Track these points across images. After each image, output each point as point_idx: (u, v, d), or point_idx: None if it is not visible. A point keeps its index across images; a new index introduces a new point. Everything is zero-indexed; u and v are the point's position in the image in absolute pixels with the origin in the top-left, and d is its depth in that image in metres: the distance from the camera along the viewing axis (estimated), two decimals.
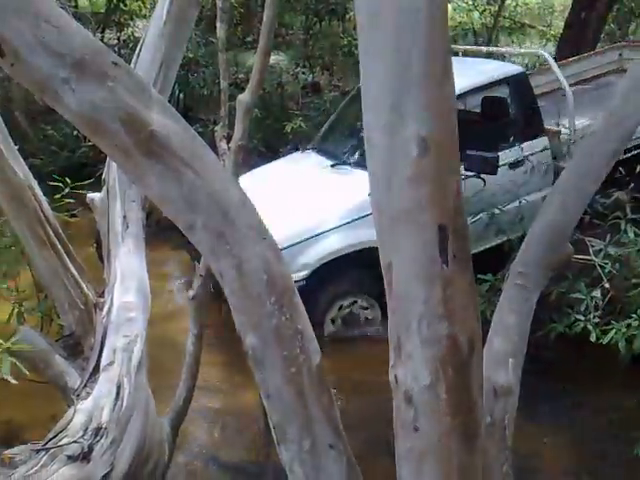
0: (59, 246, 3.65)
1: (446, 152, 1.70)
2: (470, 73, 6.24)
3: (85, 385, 3.55)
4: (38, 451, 3.35)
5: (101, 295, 3.79)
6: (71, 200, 4.14)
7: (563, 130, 6.13)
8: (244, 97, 3.04)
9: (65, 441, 3.31)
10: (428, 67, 1.63)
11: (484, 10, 10.51)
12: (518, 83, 6.15)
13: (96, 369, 3.54)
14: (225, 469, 4.21)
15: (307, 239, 5.32)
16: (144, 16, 10.14)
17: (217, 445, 4.32)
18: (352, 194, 5.49)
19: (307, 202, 5.76)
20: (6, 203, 3.54)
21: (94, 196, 3.87)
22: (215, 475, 4.19)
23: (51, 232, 3.61)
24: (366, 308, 5.71)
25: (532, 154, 6.02)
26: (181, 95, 8.70)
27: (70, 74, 1.91)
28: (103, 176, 3.85)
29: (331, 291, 5.52)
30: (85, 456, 3.22)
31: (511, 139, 6.02)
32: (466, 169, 5.34)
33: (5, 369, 3.42)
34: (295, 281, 4.96)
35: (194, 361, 3.68)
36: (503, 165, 5.69)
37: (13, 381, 3.92)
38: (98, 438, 3.28)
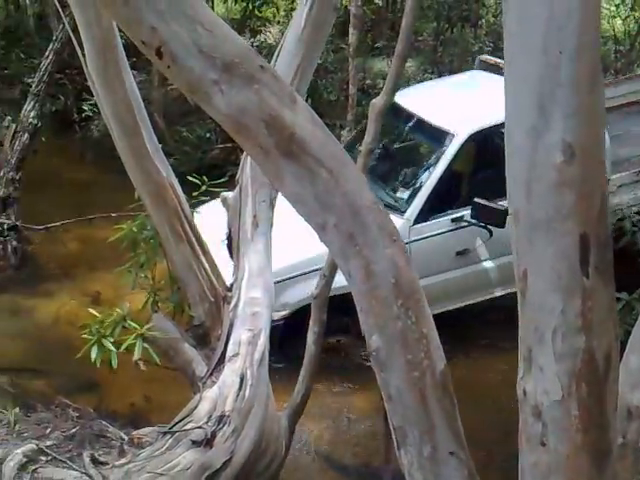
0: (194, 241, 3.84)
1: (592, 159, 1.64)
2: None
3: (211, 374, 3.71)
4: (165, 434, 3.55)
5: (229, 290, 3.95)
6: (206, 198, 4.34)
7: None
8: (378, 101, 3.07)
9: (190, 426, 3.48)
10: (577, 71, 1.59)
11: (627, 17, 10.01)
12: None
13: (221, 360, 3.70)
14: (340, 470, 4.25)
15: (290, 278, 5.04)
16: (277, 22, 10.45)
17: (332, 445, 4.37)
18: None
19: (297, 237, 5.42)
20: (149, 199, 3.77)
21: (227, 195, 4.04)
22: (329, 476, 4.24)
23: (188, 228, 3.81)
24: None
25: None
26: (309, 100, 8.90)
27: (220, 76, 2.01)
28: (237, 177, 4.01)
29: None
30: (208, 442, 3.37)
31: None
32: (471, 217, 5.11)
33: (138, 353, 3.64)
34: (273, 320, 4.30)
35: (314, 359, 3.75)
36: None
37: (142, 367, 4.17)
38: (221, 426, 3.43)
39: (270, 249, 3.89)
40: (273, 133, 2.11)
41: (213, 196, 4.34)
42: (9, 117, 7.51)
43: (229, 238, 4.12)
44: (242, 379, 3.56)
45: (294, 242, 4.94)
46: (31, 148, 7.15)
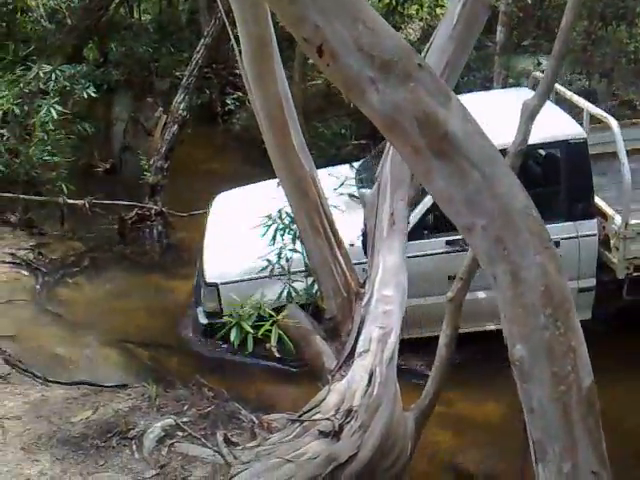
0: (331, 236, 3.90)
1: None
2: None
3: (340, 368, 3.76)
4: (293, 422, 3.64)
5: (362, 286, 3.98)
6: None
7: (616, 217, 4.94)
8: (531, 101, 2.97)
9: (318, 417, 3.54)
10: None
11: None
12: (575, 150, 5.00)
13: (351, 355, 3.73)
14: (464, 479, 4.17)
15: (266, 277, 4.83)
16: (420, 19, 10.37)
17: (459, 454, 4.28)
18: None
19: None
20: (290, 191, 3.87)
21: (365, 192, 4.07)
22: None
23: (326, 223, 3.87)
24: None
25: (572, 237, 4.99)
26: None
27: (377, 74, 2.02)
28: (376, 174, 4.03)
29: None
30: (335, 434, 3.41)
31: (552, 214, 4.82)
32: (454, 242, 4.81)
33: (274, 340, 3.75)
34: None
35: (444, 362, 3.69)
36: None
37: (276, 354, 4.29)
38: (348, 419, 3.46)
39: (405, 248, 3.87)
40: (426, 132, 2.10)
41: None
42: (161, 108, 7.96)
43: (364, 235, 4.15)
44: (371, 376, 3.57)
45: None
46: (179, 138, 7.54)
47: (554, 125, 5.11)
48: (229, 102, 9.69)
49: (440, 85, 2.15)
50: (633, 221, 4.81)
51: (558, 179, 5.05)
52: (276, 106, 3.56)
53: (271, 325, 3.74)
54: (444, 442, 4.34)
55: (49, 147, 6.79)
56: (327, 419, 3.47)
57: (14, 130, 7.03)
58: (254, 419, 4.02)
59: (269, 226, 4.46)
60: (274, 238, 4.47)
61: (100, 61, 9.47)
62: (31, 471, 3.42)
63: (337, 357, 3.88)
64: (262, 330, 3.73)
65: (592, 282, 5.09)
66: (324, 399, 3.62)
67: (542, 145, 5.00)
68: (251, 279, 4.88)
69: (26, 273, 5.87)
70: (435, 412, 3.86)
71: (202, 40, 7.59)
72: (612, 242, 4.94)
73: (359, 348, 3.69)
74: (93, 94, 7.33)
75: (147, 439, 3.69)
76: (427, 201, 4.88)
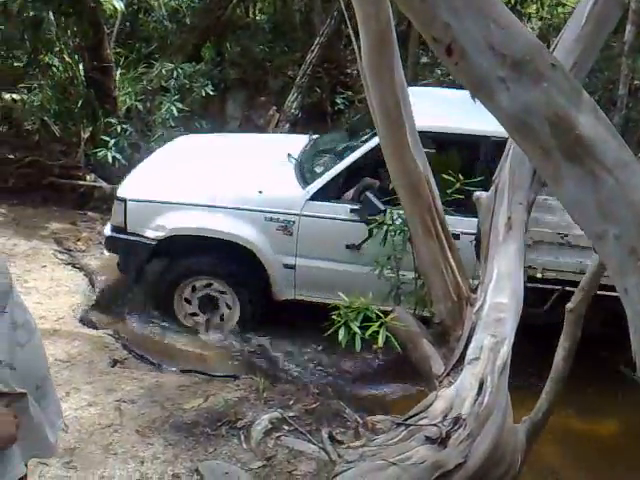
0: (444, 239, 3.82)
1: None
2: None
3: (448, 374, 3.68)
4: (399, 425, 3.60)
5: (474, 291, 3.88)
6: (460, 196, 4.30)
7: None
8: None
9: (424, 422, 3.49)
10: None
11: None
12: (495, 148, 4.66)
13: (460, 361, 3.64)
14: None
15: (171, 203, 5.11)
16: (540, 18, 10.04)
17: (572, 472, 4.11)
18: (239, 183, 5.30)
19: (199, 172, 5.50)
20: (403, 191, 3.83)
21: (481, 194, 3.96)
22: None
23: (439, 224, 3.80)
24: (223, 292, 5.22)
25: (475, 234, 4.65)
26: None
27: (508, 74, 1.95)
28: (494, 176, 3.92)
29: (182, 265, 5.13)
30: (442, 441, 3.34)
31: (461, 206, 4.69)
32: (358, 211, 4.86)
33: (381, 341, 3.72)
34: (148, 238, 5.06)
35: (561, 377, 3.54)
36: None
37: (380, 355, 4.26)
38: (456, 427, 3.38)
39: (522, 254, 3.74)
40: (557, 134, 2.00)
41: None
42: (274, 107, 8.11)
43: (478, 238, 4.05)
44: (481, 384, 3.47)
45: (191, 176, 5.39)
46: None
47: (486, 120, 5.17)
48: (339, 101, 9.75)
49: (573, 85, 2.05)
50: (534, 229, 4.57)
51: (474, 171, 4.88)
52: (393, 103, 3.53)
53: (379, 326, 3.71)
54: (549, 455, 4.17)
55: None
56: (434, 425, 3.41)
57: (136, 125, 7.38)
58: (358, 419, 4.02)
59: (379, 227, 4.45)
60: (385, 239, 4.44)
61: (217, 60, 9.76)
62: (145, 454, 3.57)
63: (445, 363, 3.80)
64: (370, 331, 3.71)
65: None
66: (431, 404, 3.56)
67: (472, 136, 5.03)
68: (158, 202, 5.11)
69: None
70: None
71: (317, 39, 7.67)
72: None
73: (469, 355, 3.60)
74: (211, 92, 7.57)
75: (255, 430, 3.77)
76: (339, 167, 5.07)
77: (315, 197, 5.01)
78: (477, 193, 4.01)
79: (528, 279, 4.46)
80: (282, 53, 10.71)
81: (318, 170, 5.29)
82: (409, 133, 3.66)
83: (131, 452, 3.57)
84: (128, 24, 10.32)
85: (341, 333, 3.65)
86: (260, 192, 5.03)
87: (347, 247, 4.97)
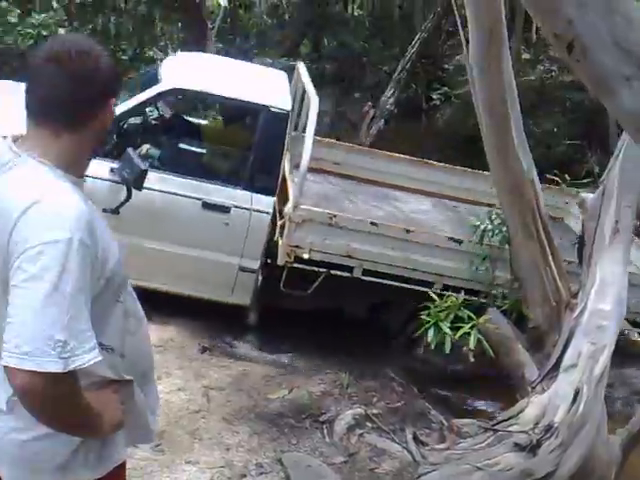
0: (545, 241, 3.68)
1: None
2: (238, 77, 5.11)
3: (542, 380, 3.54)
4: (486, 430, 3.49)
5: (574, 296, 3.71)
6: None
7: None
8: None
9: (515, 428, 3.36)
10: None
11: None
12: (275, 120, 4.56)
13: (556, 368, 3.49)
14: None
15: None
16: None
17: None
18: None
19: None
20: (505, 191, 3.71)
21: (587, 196, 3.78)
22: None
23: (541, 226, 3.66)
24: None
25: (245, 208, 4.48)
26: None
27: (634, 71, 1.83)
28: (601, 178, 3.73)
29: None
30: (532, 449, 3.21)
31: (234, 177, 4.61)
32: (117, 170, 4.17)
33: (473, 343, 3.62)
34: None
35: None
36: (195, 198, 4.43)
37: (471, 358, 4.15)
38: (548, 435, 3.24)
39: (628, 259, 3.55)
40: None
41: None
42: (369, 102, 8.07)
43: (580, 241, 3.87)
44: (577, 393, 3.32)
45: None
46: (383, 133, 7.61)
47: (267, 91, 4.86)
48: (435, 97, 9.59)
49: None
50: (304, 206, 4.35)
51: (250, 144, 4.66)
52: (500, 102, 3.42)
53: (471, 328, 3.61)
54: None
55: None
56: (524, 432, 3.29)
57: None
58: (444, 421, 3.93)
59: (477, 227, 4.33)
60: (482, 239, 4.31)
61: (314, 55, 9.81)
62: (230, 441, 3.60)
63: (539, 369, 3.66)
64: (460, 332, 3.62)
65: (255, 264, 4.61)
66: (522, 411, 3.44)
67: (247, 104, 4.70)
68: None
69: None
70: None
71: (417, 34, 7.57)
72: (283, 224, 4.41)
73: (565, 362, 3.45)
74: None
75: (338, 425, 3.75)
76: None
77: None
78: (582, 195, 3.83)
79: (295, 259, 4.32)
80: (380, 48, 10.65)
81: None
82: (515, 132, 3.53)
83: (217, 439, 3.62)
84: (229, 20, 10.56)
85: (430, 333, 3.57)
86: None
87: (104, 211, 4.44)
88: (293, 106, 4.84)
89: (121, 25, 7.49)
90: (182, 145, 5.02)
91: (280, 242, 4.38)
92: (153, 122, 5.15)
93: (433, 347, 3.62)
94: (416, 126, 9.88)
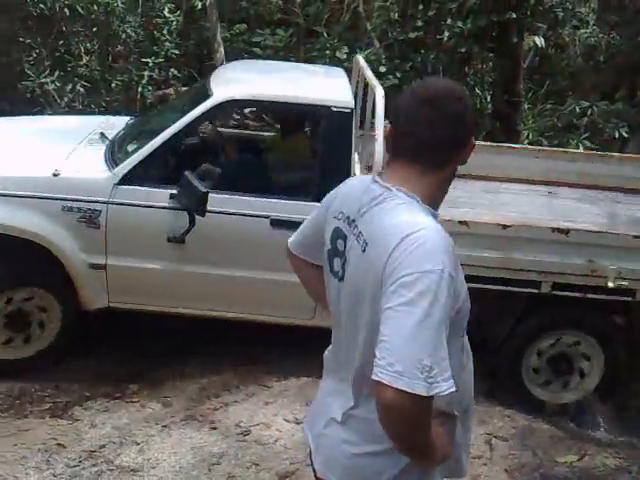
0: None
1: None
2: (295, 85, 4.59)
3: None
4: None
5: None
6: None
7: None
8: None
9: None
10: None
11: None
12: (337, 121, 4.12)
13: None
14: None
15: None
16: None
17: None
18: (32, 165, 4.20)
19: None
20: None
21: None
22: None
23: None
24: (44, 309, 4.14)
25: None
26: None
27: None
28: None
29: None
30: None
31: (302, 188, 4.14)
32: (176, 195, 3.95)
33: None
34: None
35: None
36: (261, 217, 4.05)
37: None
38: None
39: None
40: None
41: None
42: None
43: None
44: None
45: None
46: None
47: (325, 89, 4.51)
48: None
49: None
50: None
51: (314, 150, 4.46)
52: None
53: None
54: None
55: None
56: None
57: None
58: None
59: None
60: None
61: (634, 101, 9.14)
62: None
63: None
64: None
65: None
66: None
67: (305, 107, 4.29)
68: None
69: None
70: None
71: None
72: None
73: None
74: (625, 134, 7.10)
75: None
76: (158, 141, 4.05)
77: (126, 181, 4.01)
78: None
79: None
80: None
81: (131, 149, 4.24)
82: None
83: None
84: (537, 59, 10.30)
85: None
86: (55, 174, 4.01)
87: (169, 240, 3.99)
88: (355, 102, 4.39)
89: (439, 62, 7.71)
90: (242, 161, 4.77)
91: None
92: (209, 140, 4.97)
93: None
94: None
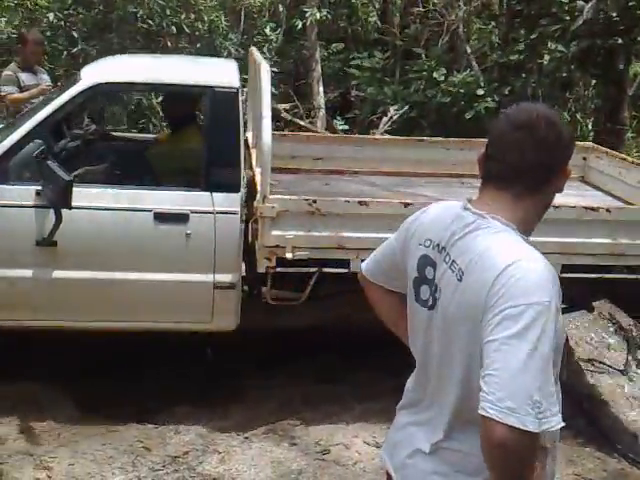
0: None
1: None
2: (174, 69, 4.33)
3: None
4: None
5: None
6: None
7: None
8: None
9: None
10: None
11: None
12: (222, 100, 3.84)
13: None
14: None
15: None
16: None
17: None
18: None
19: None
20: None
21: None
22: None
23: None
24: None
25: (208, 212, 3.71)
26: None
27: None
28: None
29: None
30: None
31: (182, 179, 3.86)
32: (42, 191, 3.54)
33: None
34: None
35: None
36: (145, 211, 3.68)
37: None
38: None
39: None
40: None
41: None
42: None
43: None
44: None
45: None
46: None
47: (209, 72, 4.28)
48: None
49: None
50: (273, 196, 3.64)
51: (199, 135, 4.14)
52: None
53: None
54: None
55: None
56: None
57: None
58: None
59: None
60: None
61: None
62: None
63: None
64: None
65: (234, 277, 3.79)
66: None
67: (186, 89, 4.08)
68: None
69: None
70: None
71: None
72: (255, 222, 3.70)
73: None
74: None
75: None
76: (20, 132, 3.66)
77: None
78: None
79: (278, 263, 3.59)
80: None
81: None
82: None
83: None
84: None
85: None
86: None
87: (38, 244, 3.58)
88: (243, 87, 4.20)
89: (539, 87, 7.54)
90: (123, 155, 4.39)
91: (256, 245, 3.70)
92: (90, 139, 4.63)
93: None
94: None
